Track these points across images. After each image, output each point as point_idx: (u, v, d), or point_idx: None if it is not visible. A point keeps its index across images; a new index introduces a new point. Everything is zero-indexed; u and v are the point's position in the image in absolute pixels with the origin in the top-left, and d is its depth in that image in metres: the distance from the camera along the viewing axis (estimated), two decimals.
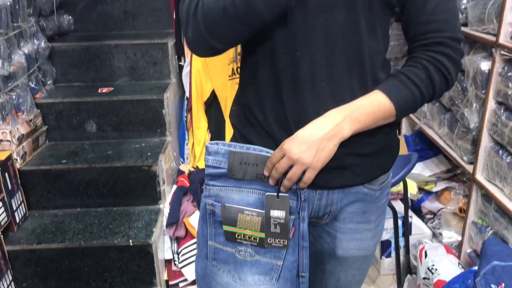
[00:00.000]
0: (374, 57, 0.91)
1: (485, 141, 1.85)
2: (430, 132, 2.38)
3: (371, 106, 0.87)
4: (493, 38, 1.74)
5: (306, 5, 0.84)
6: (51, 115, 2.32)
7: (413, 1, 0.90)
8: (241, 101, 0.99)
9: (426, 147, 2.59)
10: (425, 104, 2.36)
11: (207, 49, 0.87)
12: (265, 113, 0.92)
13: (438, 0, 0.88)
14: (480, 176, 1.88)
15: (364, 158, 0.94)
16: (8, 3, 2.00)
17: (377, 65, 0.92)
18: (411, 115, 2.63)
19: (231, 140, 1.01)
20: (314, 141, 0.84)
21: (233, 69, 2.35)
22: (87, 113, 2.32)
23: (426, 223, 2.36)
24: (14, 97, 2.08)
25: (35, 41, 2.29)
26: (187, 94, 2.52)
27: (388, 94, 0.88)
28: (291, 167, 0.86)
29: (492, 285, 1.35)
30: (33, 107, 2.24)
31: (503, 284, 1.33)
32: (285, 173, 0.87)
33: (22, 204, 2.08)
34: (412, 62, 0.92)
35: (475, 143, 1.92)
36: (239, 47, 1.92)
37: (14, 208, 2.00)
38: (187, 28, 0.85)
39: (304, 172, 0.87)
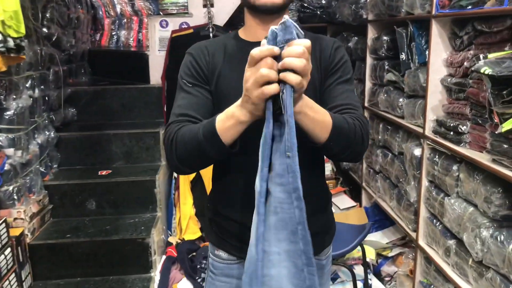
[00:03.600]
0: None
1: (423, 212, 2.26)
2: (383, 205, 2.79)
3: (322, 111, 1.02)
4: (421, 130, 2.21)
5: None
6: (57, 195, 2.66)
7: (330, 97, 1.18)
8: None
9: (383, 218, 2.98)
10: (379, 181, 2.80)
11: (179, 171, 1.13)
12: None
13: (345, 94, 1.18)
14: (422, 242, 2.27)
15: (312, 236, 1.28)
16: (29, 103, 2.42)
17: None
18: (369, 190, 3.05)
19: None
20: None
21: None
22: (88, 193, 2.67)
23: (385, 285, 2.70)
24: (28, 180, 2.43)
25: (46, 132, 2.69)
26: (175, 174, 2.91)
27: (332, 116, 1.06)
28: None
29: None
30: (42, 189, 2.59)
31: None
32: None
33: (29, 275, 2.36)
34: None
35: (417, 214, 2.33)
36: None
37: (23, 279, 2.28)
38: (166, 156, 1.10)
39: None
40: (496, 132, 1.63)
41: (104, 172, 2.78)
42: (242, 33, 1.22)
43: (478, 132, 1.83)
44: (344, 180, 3.52)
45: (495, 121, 1.63)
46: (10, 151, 2.28)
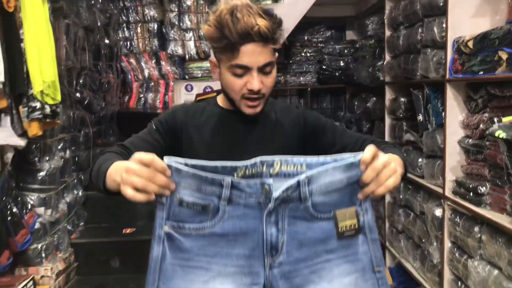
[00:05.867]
0: None
1: (447, 274, 2.22)
2: (407, 266, 2.75)
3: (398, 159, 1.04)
4: (441, 190, 2.22)
5: None
6: (82, 253, 2.72)
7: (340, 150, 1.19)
8: None
9: (408, 279, 2.92)
10: (402, 241, 2.78)
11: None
12: None
13: (356, 140, 1.25)
14: None
15: None
16: (61, 164, 2.54)
17: None
18: (392, 250, 3.01)
19: None
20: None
21: None
22: (112, 251, 2.72)
23: None
24: (55, 238, 2.51)
25: (74, 191, 2.80)
26: None
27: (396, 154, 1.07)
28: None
29: None
30: (68, 247, 2.66)
31: None
32: None
33: None
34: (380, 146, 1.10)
35: (441, 275, 2.28)
36: None
37: None
38: None
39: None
40: None
41: (128, 230, 2.84)
42: (220, 100, 1.30)
43: (498, 194, 1.84)
44: None
45: None
46: (41, 210, 2.38)
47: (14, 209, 2.20)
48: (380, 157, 0.90)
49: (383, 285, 0.95)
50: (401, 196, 2.81)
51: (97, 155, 1.15)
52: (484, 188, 1.92)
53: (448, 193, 2.16)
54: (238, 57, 1.12)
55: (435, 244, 2.34)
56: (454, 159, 2.17)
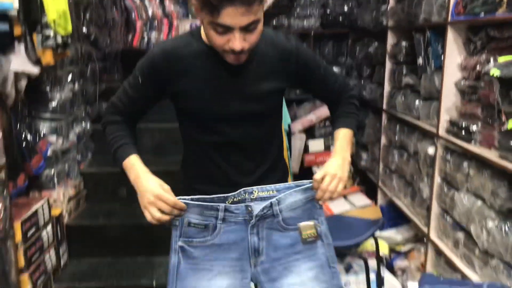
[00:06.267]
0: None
1: (435, 208, 2.38)
2: (398, 203, 2.92)
3: (346, 138, 1.36)
4: (435, 130, 2.34)
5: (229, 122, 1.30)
6: (90, 182, 2.87)
7: (320, 88, 1.42)
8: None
9: (397, 215, 3.10)
10: (394, 180, 2.93)
11: None
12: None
13: (333, 81, 1.42)
14: (433, 236, 2.39)
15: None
16: (70, 96, 2.63)
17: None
18: (385, 189, 3.18)
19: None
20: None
21: None
22: (120, 181, 2.85)
23: (397, 279, 2.81)
24: (66, 166, 2.63)
25: (83, 123, 2.90)
26: None
27: (349, 127, 1.39)
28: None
29: None
30: (78, 175, 2.80)
31: None
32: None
33: (65, 252, 2.56)
34: (344, 107, 1.44)
35: (429, 209, 2.44)
36: None
37: (61, 255, 2.48)
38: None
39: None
40: (502, 130, 1.75)
41: None
42: (204, 36, 1.24)
43: (488, 131, 1.95)
44: (360, 179, 3.65)
45: (503, 119, 1.76)
46: (52, 138, 2.49)
47: (28, 136, 2.30)
48: (326, 178, 1.24)
49: (336, 277, 1.33)
50: (396, 138, 2.93)
51: (103, 123, 1.35)
52: (475, 126, 2.03)
53: (441, 132, 2.28)
54: (219, 17, 1.04)
55: (425, 180, 2.48)
56: (450, 100, 2.26)
